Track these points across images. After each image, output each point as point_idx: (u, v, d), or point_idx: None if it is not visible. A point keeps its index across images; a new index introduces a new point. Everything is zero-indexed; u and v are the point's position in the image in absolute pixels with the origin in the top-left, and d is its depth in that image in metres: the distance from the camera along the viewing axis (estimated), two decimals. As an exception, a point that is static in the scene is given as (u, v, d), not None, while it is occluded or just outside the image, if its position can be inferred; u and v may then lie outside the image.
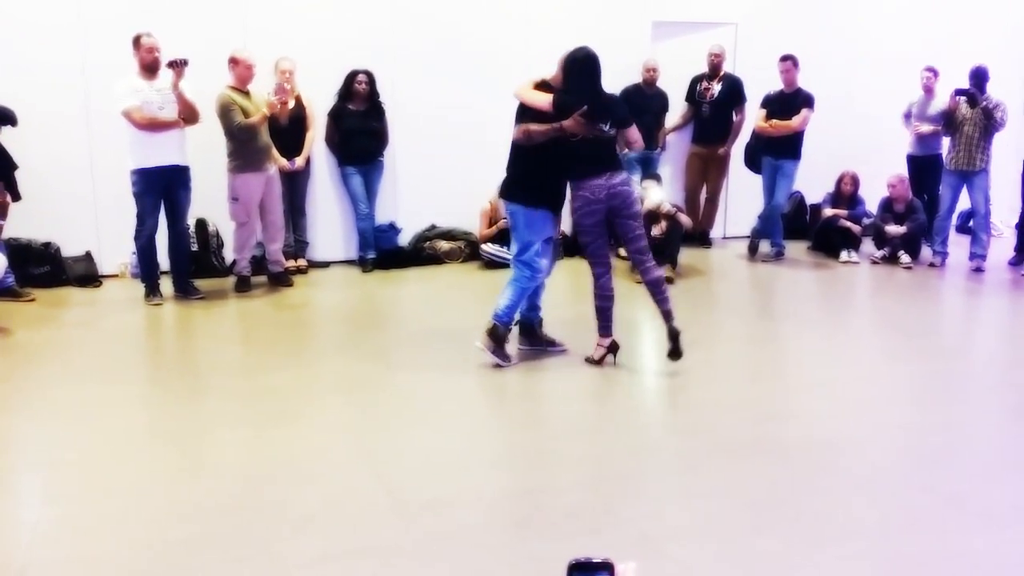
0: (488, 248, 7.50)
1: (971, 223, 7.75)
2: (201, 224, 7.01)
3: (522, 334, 5.07)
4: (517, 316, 4.89)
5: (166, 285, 6.34)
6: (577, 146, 4.54)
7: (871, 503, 3.32)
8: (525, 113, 4.67)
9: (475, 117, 7.81)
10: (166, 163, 6.00)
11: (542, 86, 4.69)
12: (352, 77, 7.19)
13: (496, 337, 4.73)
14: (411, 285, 6.97)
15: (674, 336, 4.61)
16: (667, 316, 4.66)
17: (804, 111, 7.62)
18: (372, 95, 7.28)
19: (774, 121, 7.70)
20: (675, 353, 4.63)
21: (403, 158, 7.69)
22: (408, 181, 7.76)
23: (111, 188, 6.61)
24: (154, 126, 5.90)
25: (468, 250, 7.73)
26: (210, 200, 6.67)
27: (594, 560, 1.09)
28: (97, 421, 4.06)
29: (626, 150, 8.08)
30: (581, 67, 4.59)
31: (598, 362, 4.78)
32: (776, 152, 7.82)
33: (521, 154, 4.74)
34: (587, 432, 3.99)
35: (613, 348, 4.80)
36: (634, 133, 4.81)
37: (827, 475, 3.56)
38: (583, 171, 4.60)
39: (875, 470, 3.62)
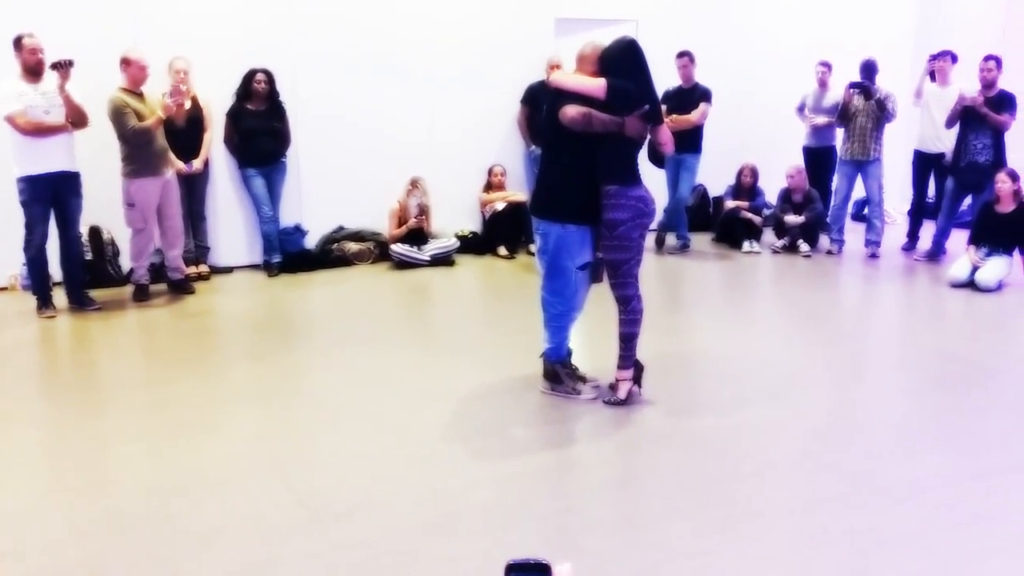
0: (398, 248, 7.43)
1: (866, 211, 8.06)
2: (95, 232, 6.72)
3: (545, 377, 4.41)
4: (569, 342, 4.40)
5: (59, 297, 6.07)
6: (632, 145, 4.07)
7: (778, 484, 3.41)
8: (558, 104, 3.94)
9: (380, 115, 7.72)
10: (54, 169, 5.73)
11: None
12: (250, 76, 7.01)
13: (552, 376, 4.35)
14: (319, 288, 6.84)
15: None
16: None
17: (702, 105, 7.79)
18: (272, 94, 7.11)
19: (674, 116, 7.83)
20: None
21: (307, 158, 7.54)
22: (313, 182, 7.61)
23: (-4, 197, 6.30)
24: (40, 131, 5.63)
25: (378, 251, 7.63)
26: (104, 206, 6.41)
27: (531, 561, 1.07)
28: (-15, 442, 3.85)
29: (532, 147, 8.20)
30: (635, 57, 3.95)
31: (624, 401, 4.19)
32: (677, 147, 7.89)
33: (555, 159, 4.08)
34: (499, 430, 3.97)
35: (638, 376, 4.27)
36: (666, 133, 4.18)
37: (737, 460, 3.65)
38: (635, 176, 4.07)
39: (782, 453, 3.72)
